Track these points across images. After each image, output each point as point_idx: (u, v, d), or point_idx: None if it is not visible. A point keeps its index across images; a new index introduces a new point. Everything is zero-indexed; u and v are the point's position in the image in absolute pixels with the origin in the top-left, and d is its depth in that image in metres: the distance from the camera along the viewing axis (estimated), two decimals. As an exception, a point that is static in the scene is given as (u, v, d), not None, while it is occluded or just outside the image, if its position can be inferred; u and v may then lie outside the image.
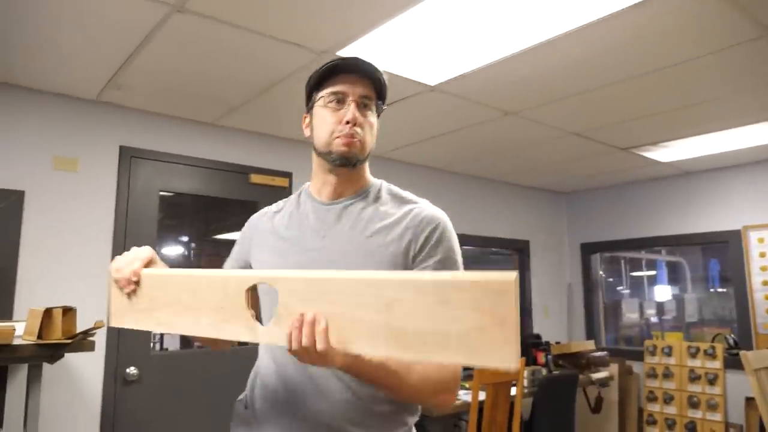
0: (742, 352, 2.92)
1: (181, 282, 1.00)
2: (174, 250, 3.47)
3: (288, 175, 3.47)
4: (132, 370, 2.79)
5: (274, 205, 1.31)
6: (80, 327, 1.96)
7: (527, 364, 3.93)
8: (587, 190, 5.28)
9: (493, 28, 2.10)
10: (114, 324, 1.10)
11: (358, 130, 1.10)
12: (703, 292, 5.01)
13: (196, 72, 2.49)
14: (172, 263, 3.39)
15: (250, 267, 1.25)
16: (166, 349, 3.20)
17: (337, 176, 1.15)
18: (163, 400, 2.88)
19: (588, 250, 5.22)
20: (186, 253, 3.51)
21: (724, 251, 4.49)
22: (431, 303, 0.72)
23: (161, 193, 3.06)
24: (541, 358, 4.18)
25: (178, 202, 3.32)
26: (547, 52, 2.30)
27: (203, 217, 3.57)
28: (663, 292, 5.68)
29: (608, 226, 5.07)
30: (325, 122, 1.12)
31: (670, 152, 3.91)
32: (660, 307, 5.31)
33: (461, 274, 0.73)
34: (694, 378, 4.24)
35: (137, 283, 1.05)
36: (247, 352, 3.33)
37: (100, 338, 2.65)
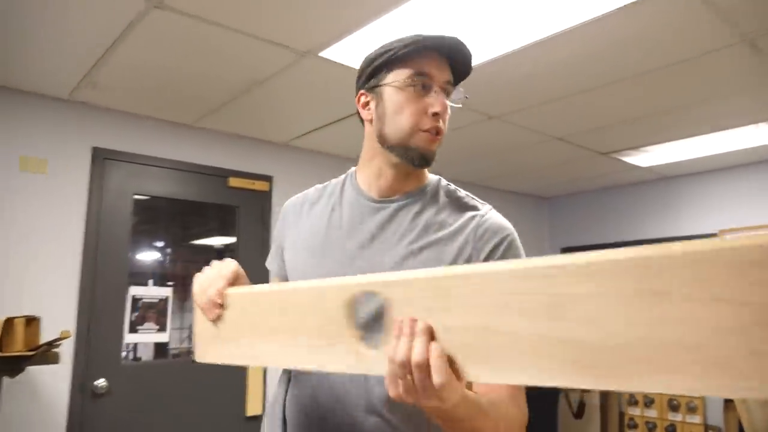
0: (723, 356, 2.93)
1: (269, 299, 0.80)
2: (149, 255, 3.36)
3: (269, 178, 3.38)
4: (101, 382, 2.66)
5: (312, 189, 1.11)
6: (46, 338, 1.86)
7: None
8: (568, 195, 5.29)
9: (478, 30, 2.07)
10: (199, 359, 0.91)
11: (442, 124, 0.95)
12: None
13: (174, 71, 2.40)
14: (146, 269, 3.30)
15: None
16: (139, 359, 3.08)
17: (399, 172, 0.99)
18: (135, 413, 2.76)
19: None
20: (161, 258, 3.41)
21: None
22: (628, 294, 0.47)
23: (135, 196, 2.96)
24: (523, 363, 4.16)
25: (154, 205, 3.22)
26: (532, 55, 2.28)
27: (180, 222, 3.47)
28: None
29: (589, 231, 5.09)
30: (406, 110, 0.94)
31: (649, 157, 3.93)
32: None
33: (676, 245, 0.45)
34: (673, 381, 4.26)
35: (222, 305, 0.85)
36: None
37: (66, 349, 2.53)
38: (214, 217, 3.40)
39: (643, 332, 0.46)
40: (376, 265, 0.93)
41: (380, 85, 0.97)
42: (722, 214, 4.25)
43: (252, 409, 3.07)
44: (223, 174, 3.22)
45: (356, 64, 2.41)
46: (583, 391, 4.21)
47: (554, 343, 0.51)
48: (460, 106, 1.00)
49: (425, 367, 0.59)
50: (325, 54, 2.24)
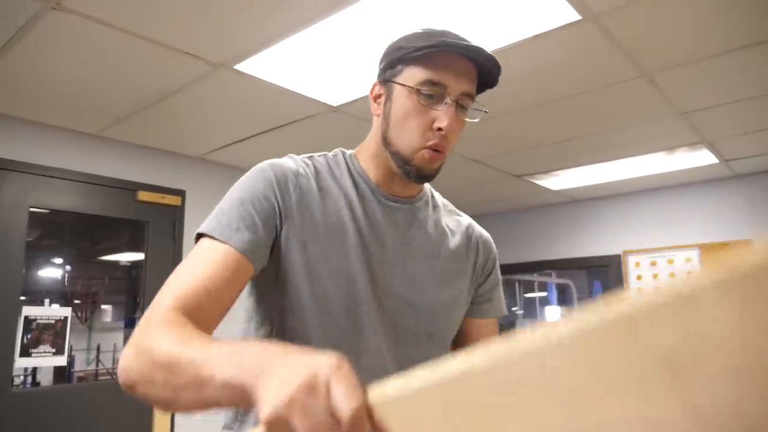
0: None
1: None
2: (47, 273, 3.13)
3: (181, 193, 3.25)
4: (-13, 411, 2.44)
5: (306, 163, 0.92)
6: None
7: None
8: (485, 215, 5.46)
9: (396, 50, 2.10)
10: None
11: (446, 141, 0.86)
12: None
13: (76, 78, 2.27)
14: (43, 288, 3.07)
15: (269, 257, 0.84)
16: (38, 384, 2.84)
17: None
18: (26, 443, 2.54)
19: (485, 272, 5.39)
20: (61, 276, 3.19)
21: (606, 273, 4.81)
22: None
23: (32, 209, 2.75)
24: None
25: (54, 220, 3.02)
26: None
27: (84, 237, 3.27)
28: (553, 312, 5.99)
29: (504, 250, 5.25)
30: (411, 121, 0.86)
31: (559, 180, 4.14)
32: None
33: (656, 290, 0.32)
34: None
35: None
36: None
37: (-53, 375, 2.30)
38: (121, 232, 3.23)
39: None
40: (417, 274, 0.92)
41: (392, 81, 0.89)
42: (625, 237, 4.53)
43: (157, 435, 2.90)
44: (132, 187, 3.06)
45: (273, 78, 2.38)
46: None
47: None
48: (477, 120, 0.91)
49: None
50: (240, 67, 2.20)
